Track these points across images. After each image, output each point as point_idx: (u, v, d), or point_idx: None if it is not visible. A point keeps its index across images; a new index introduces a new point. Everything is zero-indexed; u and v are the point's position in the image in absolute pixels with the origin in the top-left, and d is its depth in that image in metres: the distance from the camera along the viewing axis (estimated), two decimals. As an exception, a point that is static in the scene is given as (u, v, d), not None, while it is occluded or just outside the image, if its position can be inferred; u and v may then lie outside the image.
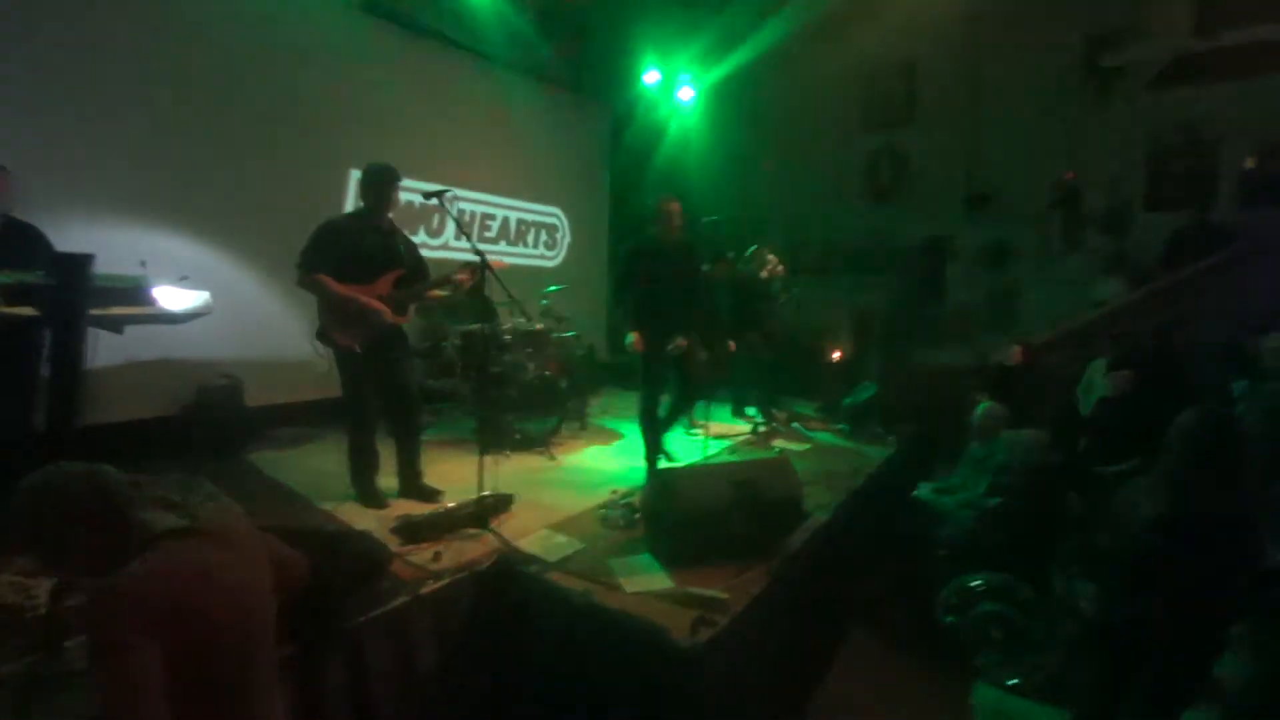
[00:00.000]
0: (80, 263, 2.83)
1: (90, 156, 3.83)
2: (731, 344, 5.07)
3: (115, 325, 3.18)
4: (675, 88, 7.58)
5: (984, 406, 3.68)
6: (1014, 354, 5.07)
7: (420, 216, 5.54)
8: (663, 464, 4.20)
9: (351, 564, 2.19)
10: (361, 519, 3.05)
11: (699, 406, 5.08)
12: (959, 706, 2.95)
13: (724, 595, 2.31)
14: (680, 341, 3.90)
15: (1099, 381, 4.65)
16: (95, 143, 3.84)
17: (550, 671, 2.32)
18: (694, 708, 2.08)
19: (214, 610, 1.16)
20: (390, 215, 3.27)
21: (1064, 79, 6.53)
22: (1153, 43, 6.11)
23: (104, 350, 3.13)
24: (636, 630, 2.16)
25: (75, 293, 2.83)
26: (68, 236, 3.23)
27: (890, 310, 7.46)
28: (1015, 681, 3.00)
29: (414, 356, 3.84)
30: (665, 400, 4.18)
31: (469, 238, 3.24)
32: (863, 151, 7.96)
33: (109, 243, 3.46)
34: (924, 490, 3.93)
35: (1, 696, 1.79)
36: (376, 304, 3.07)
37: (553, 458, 4.23)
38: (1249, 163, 5.90)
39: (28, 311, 2.79)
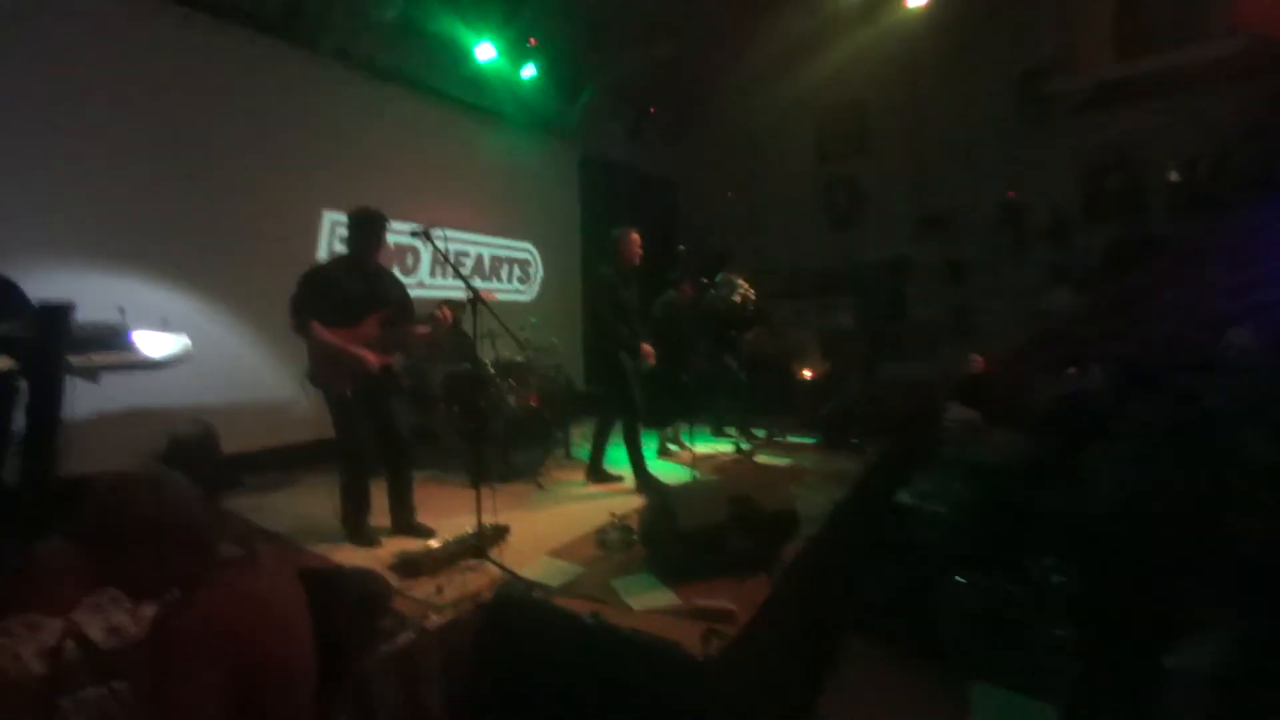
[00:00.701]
0: (61, 311, 2.79)
1: (63, 203, 3.80)
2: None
3: (92, 374, 3.12)
4: (639, 124, 7.83)
5: (955, 412, 3.85)
6: (976, 363, 5.34)
7: (395, 254, 5.57)
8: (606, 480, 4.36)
9: (353, 601, 2.16)
10: (355, 560, 3.00)
11: (682, 431, 5.20)
12: (957, 704, 3.03)
13: (731, 606, 2.36)
14: (646, 348, 4.26)
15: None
16: (68, 189, 3.82)
17: (563, 693, 2.32)
18: (710, 717, 2.10)
19: (270, 640, 1.17)
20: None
21: (1002, 106, 7.02)
22: (1080, 71, 6.63)
23: (72, 402, 3.06)
24: (650, 646, 2.19)
25: (56, 342, 2.78)
26: (42, 284, 3.17)
27: (856, 330, 7.74)
28: (1009, 675, 3.10)
29: (402, 395, 3.84)
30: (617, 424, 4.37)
31: (460, 274, 3.31)
32: (819, 182, 8.36)
33: (83, 290, 3.40)
34: (905, 496, 4.06)
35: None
36: (362, 353, 3.08)
37: (542, 487, 4.23)
38: (1173, 176, 6.40)
39: (5, 364, 2.73)
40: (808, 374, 7.49)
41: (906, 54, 7.38)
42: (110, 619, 2.51)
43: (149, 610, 2.57)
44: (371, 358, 3.09)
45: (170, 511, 1.15)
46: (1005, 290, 7.17)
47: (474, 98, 6.35)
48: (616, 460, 4.44)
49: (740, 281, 5.51)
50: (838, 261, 8.06)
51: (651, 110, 8.09)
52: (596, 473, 4.42)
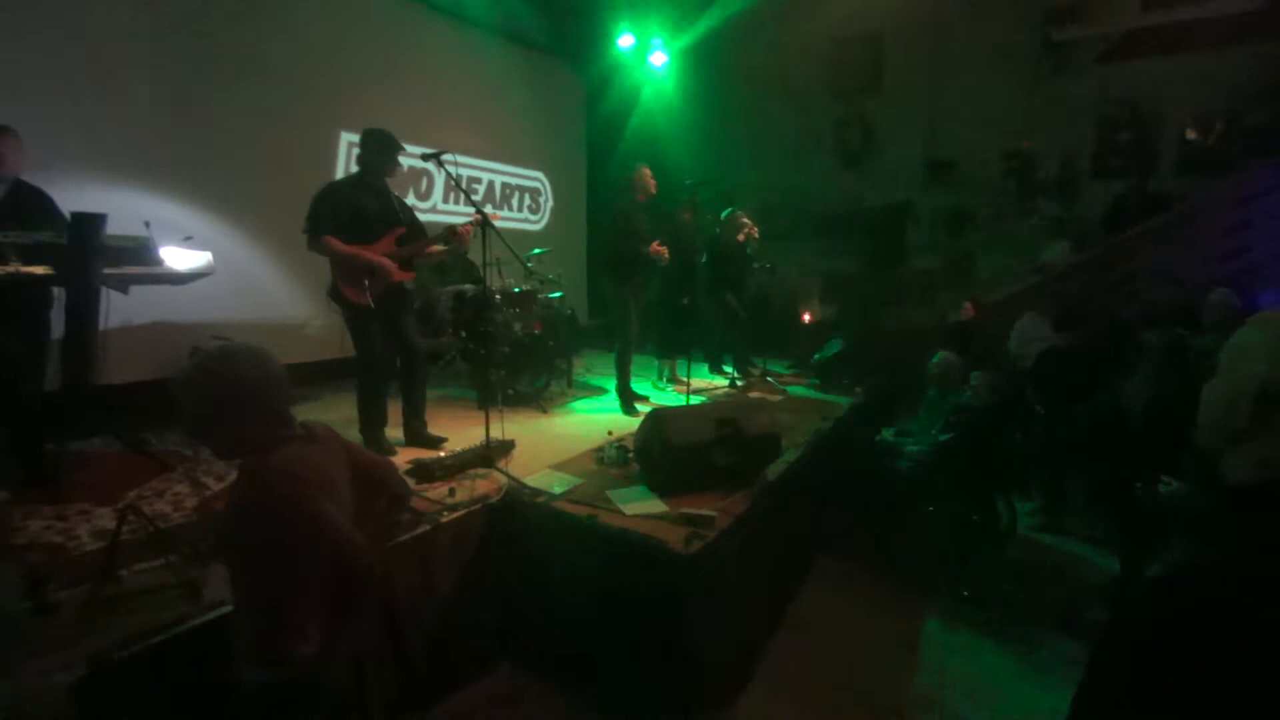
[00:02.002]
0: (93, 222, 2.93)
1: (90, 121, 3.90)
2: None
3: (122, 285, 3.30)
4: (648, 53, 7.68)
5: (939, 356, 4.04)
6: (966, 310, 5.50)
7: (410, 179, 5.65)
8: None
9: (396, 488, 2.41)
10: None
11: (680, 363, 5.40)
12: (914, 617, 3.36)
13: (713, 513, 2.63)
14: (659, 248, 4.37)
15: (1029, 334, 5.12)
16: (95, 108, 3.91)
17: (558, 580, 2.63)
18: (688, 607, 2.40)
19: (324, 501, 1.40)
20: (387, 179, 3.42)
21: (1021, 52, 6.86)
22: (1104, 18, 6.47)
23: (106, 312, 3.24)
24: (638, 543, 2.47)
25: (89, 252, 2.94)
26: (71, 198, 3.30)
27: (857, 273, 7.84)
28: (967, 593, 3.42)
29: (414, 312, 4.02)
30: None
31: (468, 196, 3.43)
32: (829, 119, 8.22)
33: (110, 204, 3.52)
34: (887, 433, 4.32)
35: (59, 620, 2.00)
36: (382, 260, 3.25)
37: (545, 411, 4.49)
38: (1190, 134, 6.35)
39: (42, 270, 2.90)
40: (807, 317, 7.65)
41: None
42: (155, 507, 2.81)
43: (190, 501, 2.87)
44: (391, 265, 3.27)
45: (264, 381, 1.35)
46: (1007, 241, 7.23)
47: (487, 19, 6.24)
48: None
49: (745, 220, 5.59)
50: (842, 202, 8.05)
51: (662, 39, 7.89)
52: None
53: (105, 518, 2.71)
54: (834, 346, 5.69)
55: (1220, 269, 5.31)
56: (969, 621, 3.30)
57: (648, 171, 4.46)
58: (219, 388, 1.30)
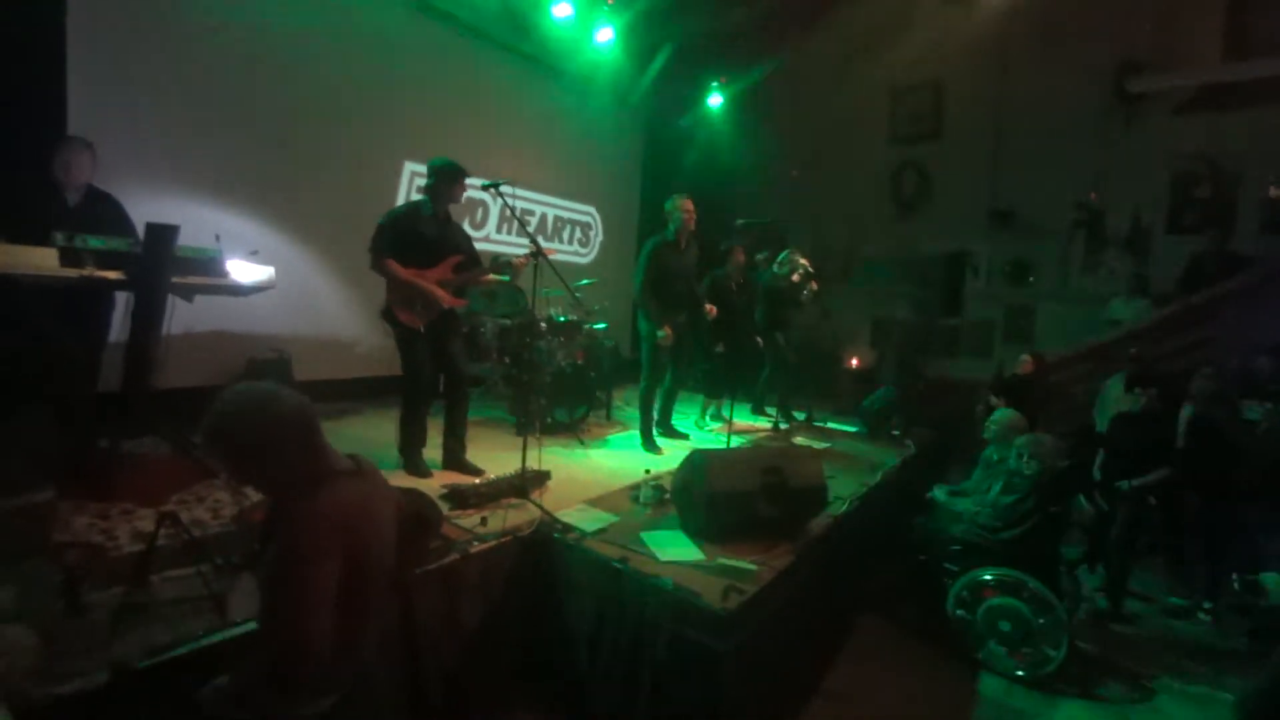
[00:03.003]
0: (168, 233, 3.04)
1: (169, 138, 4.09)
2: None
3: (188, 294, 3.40)
4: (706, 94, 7.76)
5: (1001, 413, 3.82)
6: (1025, 365, 5.23)
7: (466, 208, 5.77)
8: (665, 442, 4.57)
9: (408, 519, 2.37)
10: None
11: (726, 404, 5.28)
12: (964, 693, 3.10)
13: (754, 567, 2.49)
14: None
15: (1114, 396, 4.80)
16: (173, 126, 4.11)
17: (585, 624, 2.51)
18: (721, 666, 2.25)
19: (370, 540, 1.37)
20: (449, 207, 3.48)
21: (1091, 102, 6.66)
22: (1181, 71, 6.23)
23: (170, 318, 3.34)
24: (671, 593, 2.34)
25: (161, 261, 3.04)
26: (148, 208, 3.46)
27: (909, 321, 7.60)
28: (1021, 673, 3.14)
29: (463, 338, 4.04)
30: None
31: (524, 227, 3.45)
32: (889, 164, 8.11)
33: (184, 215, 3.66)
34: (939, 492, 4.08)
35: (89, 622, 1.99)
36: (436, 290, 3.29)
37: (582, 442, 4.42)
38: (1272, 192, 6.01)
39: (115, 275, 3.01)
40: (855, 363, 7.43)
41: (993, 36, 7.05)
42: (195, 513, 2.83)
43: (229, 510, 2.88)
44: (444, 294, 3.30)
45: (287, 422, 1.32)
46: (1072, 296, 6.92)
47: (550, 58, 6.42)
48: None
49: (802, 260, 5.49)
50: (898, 248, 7.88)
51: (721, 80, 7.97)
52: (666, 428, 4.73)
53: (147, 519, 2.72)
54: (884, 395, 5.48)
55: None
56: (1024, 693, 3.04)
57: (688, 204, 4.33)
58: (234, 443, 1.29)
